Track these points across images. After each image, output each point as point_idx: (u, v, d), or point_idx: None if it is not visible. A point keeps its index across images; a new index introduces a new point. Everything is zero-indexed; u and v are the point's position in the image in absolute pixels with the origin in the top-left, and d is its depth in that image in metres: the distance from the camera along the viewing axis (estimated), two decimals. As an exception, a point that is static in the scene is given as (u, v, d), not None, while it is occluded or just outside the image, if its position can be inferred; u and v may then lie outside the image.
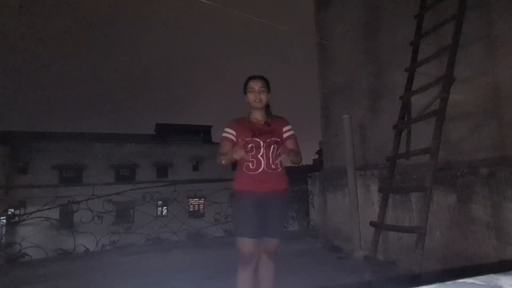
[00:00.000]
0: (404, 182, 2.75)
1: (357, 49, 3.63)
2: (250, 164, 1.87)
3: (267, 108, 1.98)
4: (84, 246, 3.80)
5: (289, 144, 1.95)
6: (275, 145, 1.89)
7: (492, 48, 2.29)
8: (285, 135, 1.96)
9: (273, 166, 1.87)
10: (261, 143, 1.86)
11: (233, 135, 1.92)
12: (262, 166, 1.86)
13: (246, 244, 1.80)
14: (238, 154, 1.74)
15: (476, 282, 0.60)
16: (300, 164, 2.02)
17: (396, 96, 2.71)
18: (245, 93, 1.97)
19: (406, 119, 2.63)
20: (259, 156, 1.87)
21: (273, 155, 1.88)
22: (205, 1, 1.96)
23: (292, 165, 2.00)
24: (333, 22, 4.16)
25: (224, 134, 1.94)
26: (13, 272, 3.15)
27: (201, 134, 28.89)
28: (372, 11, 3.47)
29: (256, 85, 1.92)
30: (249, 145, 1.85)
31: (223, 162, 1.82)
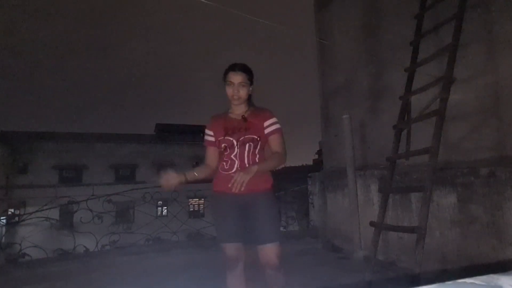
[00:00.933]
0: (404, 182, 2.75)
1: (357, 49, 3.63)
2: (225, 164, 1.72)
3: (248, 99, 1.78)
4: (84, 246, 3.80)
5: (270, 142, 1.74)
6: (251, 143, 1.69)
7: (492, 48, 2.29)
8: (266, 131, 1.73)
9: (247, 166, 1.66)
10: (234, 142, 1.70)
11: (212, 136, 1.79)
12: (236, 166, 1.69)
13: (227, 249, 1.70)
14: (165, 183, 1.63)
15: (476, 282, 0.60)
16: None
17: (396, 96, 2.71)
18: (224, 81, 1.74)
19: (406, 119, 2.63)
20: (232, 156, 1.70)
21: (250, 154, 1.69)
22: (206, 1, 1.95)
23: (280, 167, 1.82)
24: (333, 22, 4.16)
25: (205, 137, 1.82)
26: (13, 272, 3.15)
27: (201, 134, 28.59)
28: (372, 11, 3.47)
29: (236, 79, 1.69)
30: (222, 145, 1.72)
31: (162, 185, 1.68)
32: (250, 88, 1.75)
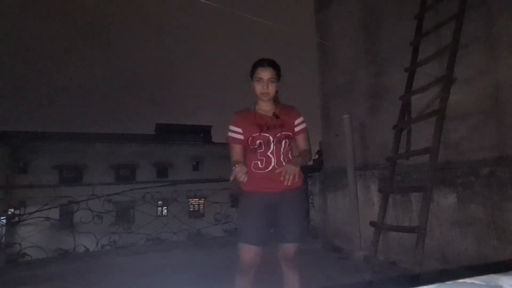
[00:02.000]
0: (404, 182, 2.75)
1: (357, 49, 3.63)
2: (259, 162, 1.66)
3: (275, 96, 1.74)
4: (84, 246, 3.80)
5: (299, 140, 1.74)
6: (286, 139, 1.68)
7: (492, 48, 2.29)
8: (296, 129, 1.73)
9: (284, 164, 1.62)
10: (271, 138, 1.65)
11: (240, 133, 1.69)
12: (272, 164, 1.64)
13: (248, 251, 1.62)
14: (239, 176, 1.47)
15: (476, 282, 0.61)
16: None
17: (396, 96, 2.71)
18: (251, 77, 1.70)
19: (406, 119, 2.63)
20: (268, 153, 1.65)
21: (285, 151, 1.67)
22: (206, 1, 1.95)
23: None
24: (333, 22, 4.15)
25: (230, 134, 1.71)
26: (13, 272, 3.15)
27: (201, 134, 28.88)
28: (372, 11, 3.47)
29: (265, 74, 1.65)
30: (257, 142, 1.65)
31: (232, 182, 1.53)
32: (279, 83, 1.72)
